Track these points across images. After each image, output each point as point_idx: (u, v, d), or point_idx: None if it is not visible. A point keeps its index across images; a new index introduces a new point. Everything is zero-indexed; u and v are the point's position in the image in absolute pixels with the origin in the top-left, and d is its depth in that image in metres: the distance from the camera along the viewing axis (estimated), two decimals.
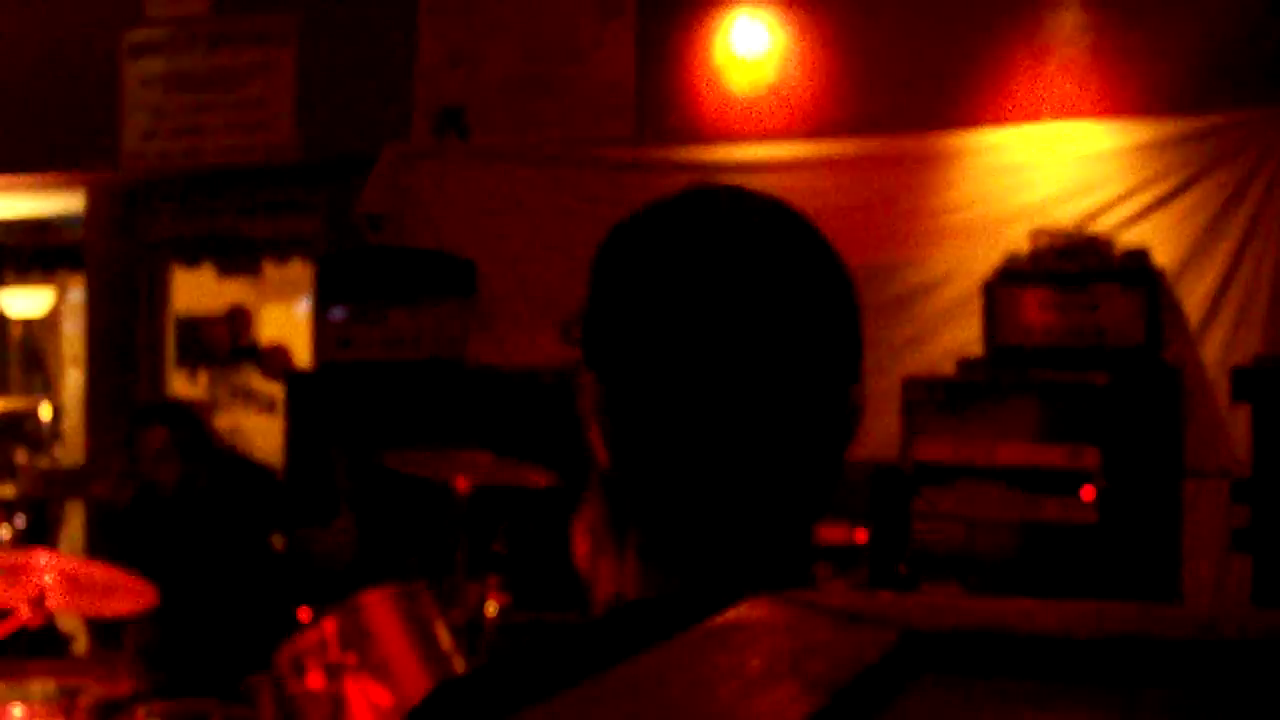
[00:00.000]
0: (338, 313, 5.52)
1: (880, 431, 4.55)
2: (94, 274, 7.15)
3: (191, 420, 4.60)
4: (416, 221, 5.96)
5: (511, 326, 5.71)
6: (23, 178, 7.14)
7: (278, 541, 4.59)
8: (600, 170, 5.61)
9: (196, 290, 7.53)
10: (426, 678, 3.12)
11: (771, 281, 0.99)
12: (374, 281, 5.54)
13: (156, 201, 6.90)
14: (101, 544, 5.75)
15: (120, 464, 4.63)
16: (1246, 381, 4.14)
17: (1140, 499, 4.29)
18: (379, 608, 3.26)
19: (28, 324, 10.04)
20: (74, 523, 7.32)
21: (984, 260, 4.80)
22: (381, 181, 5.99)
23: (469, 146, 6.00)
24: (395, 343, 5.43)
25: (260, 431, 7.00)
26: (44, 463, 8.32)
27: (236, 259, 7.00)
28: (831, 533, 4.45)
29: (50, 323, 9.95)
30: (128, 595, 3.58)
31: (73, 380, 8.98)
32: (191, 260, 7.05)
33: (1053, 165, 5.01)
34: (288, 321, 7.78)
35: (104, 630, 4.55)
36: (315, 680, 3.16)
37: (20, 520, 6.03)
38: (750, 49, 5.54)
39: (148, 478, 4.45)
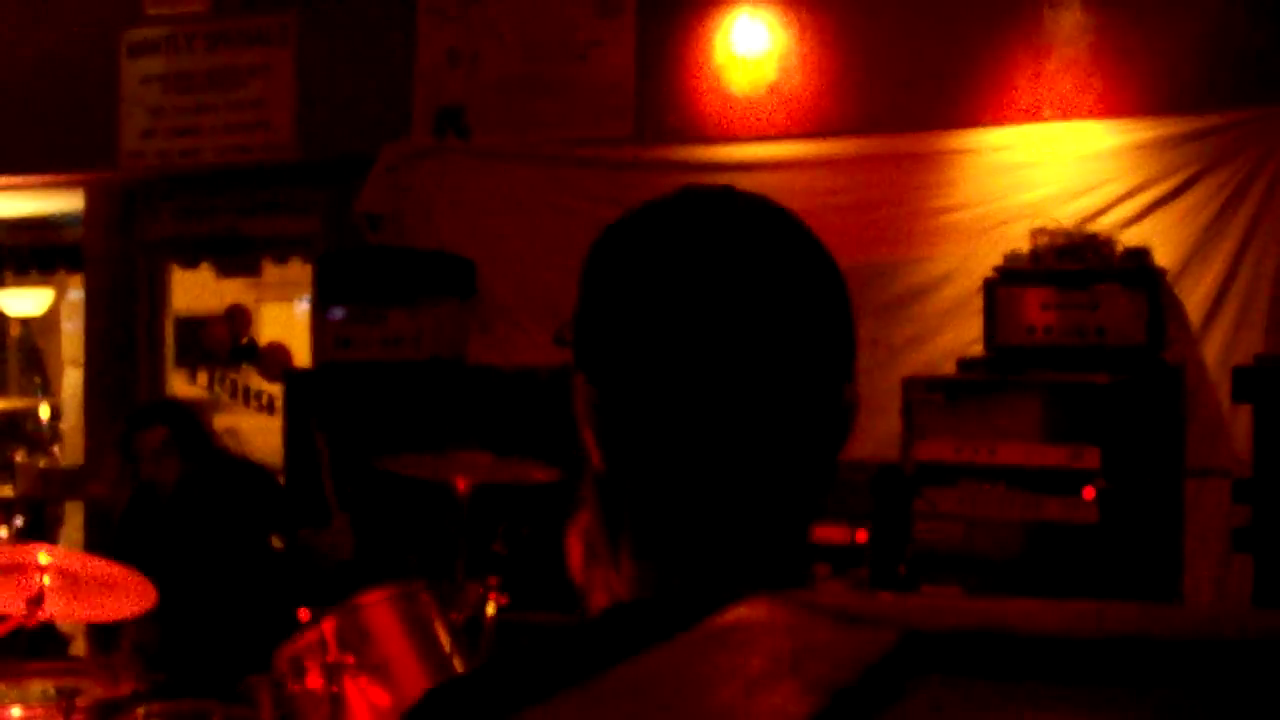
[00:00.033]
0: (337, 312, 5.52)
1: (881, 431, 4.55)
2: (93, 274, 7.15)
3: (190, 419, 4.60)
4: (416, 221, 5.96)
5: (511, 326, 5.71)
6: (21, 177, 7.14)
7: (276, 542, 4.58)
8: (600, 170, 5.60)
9: (195, 290, 7.53)
10: (425, 678, 3.11)
11: (762, 280, 0.98)
12: (373, 281, 5.54)
13: (155, 201, 6.90)
14: (100, 544, 5.74)
15: (117, 464, 4.62)
16: (1247, 381, 4.13)
17: (1141, 499, 4.28)
18: (378, 608, 3.25)
19: (26, 324, 10.04)
20: (73, 522, 7.32)
21: (985, 260, 4.80)
22: (381, 181, 5.99)
23: (468, 146, 5.99)
24: (395, 342, 5.42)
25: (259, 431, 7.00)
26: (43, 462, 8.33)
27: (236, 259, 7.00)
28: (832, 533, 4.44)
29: (49, 322, 9.95)
30: (127, 597, 3.57)
31: (72, 380, 8.97)
32: (190, 260, 7.05)
33: (1054, 165, 5.01)
34: (287, 321, 7.78)
35: (102, 631, 4.55)
36: (314, 680, 3.16)
37: (19, 520, 6.02)
38: (750, 48, 5.53)
39: (147, 477, 4.45)
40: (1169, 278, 4.69)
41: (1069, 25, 5.07)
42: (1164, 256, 4.68)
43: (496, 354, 5.62)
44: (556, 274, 5.13)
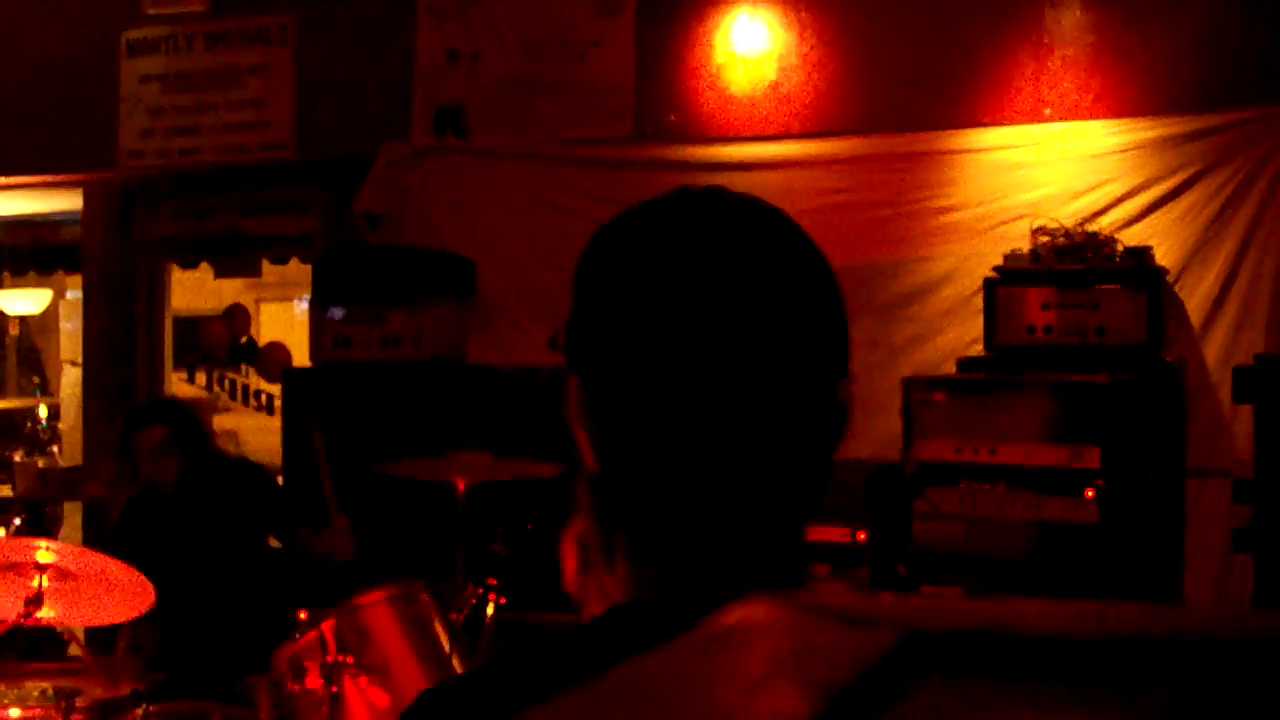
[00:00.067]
0: (336, 312, 5.51)
1: (881, 432, 4.55)
2: (91, 273, 7.14)
3: (189, 419, 4.59)
4: (415, 221, 5.95)
5: (511, 326, 5.70)
6: (20, 177, 7.13)
7: (275, 542, 4.58)
8: (600, 170, 5.60)
9: (194, 290, 7.53)
10: (424, 679, 3.11)
11: (755, 280, 0.98)
12: (373, 281, 5.53)
13: (154, 201, 6.89)
14: (98, 544, 5.73)
15: (116, 464, 4.61)
16: (1248, 381, 4.13)
17: (1142, 499, 4.28)
18: (377, 609, 3.25)
19: (25, 323, 10.04)
20: (71, 522, 7.31)
21: (985, 259, 4.80)
22: (380, 181, 5.98)
23: (468, 146, 5.99)
24: (394, 342, 5.42)
25: (258, 431, 7.00)
26: (41, 462, 8.32)
27: (235, 258, 6.99)
28: (832, 533, 4.44)
29: (48, 322, 9.95)
30: (126, 598, 3.56)
31: (70, 380, 8.97)
32: (190, 260, 7.04)
33: (1054, 164, 5.00)
34: (286, 321, 7.78)
35: (100, 631, 4.53)
36: (313, 681, 3.16)
37: (17, 520, 6.01)
38: (751, 47, 5.53)
39: (145, 476, 4.44)
40: (1169, 277, 4.68)
41: (1070, 25, 5.07)
42: (1165, 256, 4.68)
43: (496, 354, 5.62)
44: (556, 274, 5.11)
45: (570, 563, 1.09)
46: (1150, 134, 4.89)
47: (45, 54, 6.83)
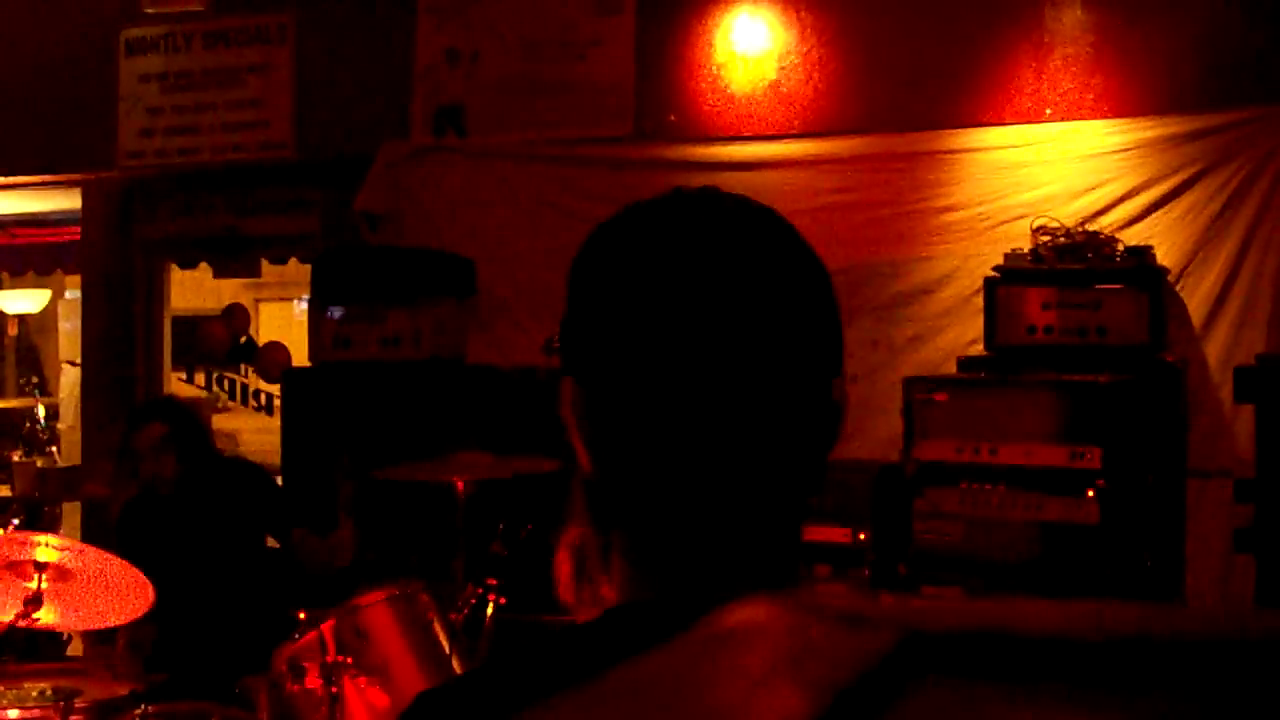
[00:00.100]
0: (336, 312, 5.51)
1: (882, 432, 4.55)
2: (90, 273, 7.14)
3: (189, 417, 4.59)
4: (415, 220, 5.95)
5: (511, 326, 5.70)
6: (19, 176, 7.13)
7: (273, 543, 4.57)
8: (600, 169, 5.59)
9: (193, 289, 7.53)
10: (424, 679, 3.10)
11: (747, 280, 0.98)
12: (372, 281, 5.52)
13: (153, 200, 6.89)
14: (97, 544, 5.72)
15: (114, 464, 4.61)
16: (1250, 381, 4.12)
17: (1143, 499, 4.27)
18: (377, 609, 3.25)
19: (24, 323, 10.04)
20: (70, 522, 7.31)
21: (986, 259, 4.80)
22: (379, 180, 5.98)
23: (468, 145, 5.98)
24: (394, 342, 5.41)
25: (257, 431, 7.00)
26: (40, 462, 8.32)
27: (234, 258, 6.99)
28: (833, 533, 4.43)
29: (46, 322, 9.96)
30: (125, 598, 3.55)
31: (69, 380, 8.97)
32: (188, 259, 7.04)
33: (1055, 164, 5.00)
34: (285, 321, 7.78)
35: (100, 631, 4.53)
36: (313, 681, 3.15)
37: (16, 520, 6.01)
38: (751, 47, 5.52)
39: (145, 474, 4.44)
40: (1170, 277, 4.68)
41: (1070, 24, 5.07)
42: (1165, 256, 4.67)
43: (496, 353, 5.61)
44: (556, 274, 5.06)
45: (564, 571, 1.09)
46: (1151, 133, 4.89)
47: (44, 53, 6.82)
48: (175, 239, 6.91)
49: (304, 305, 6.66)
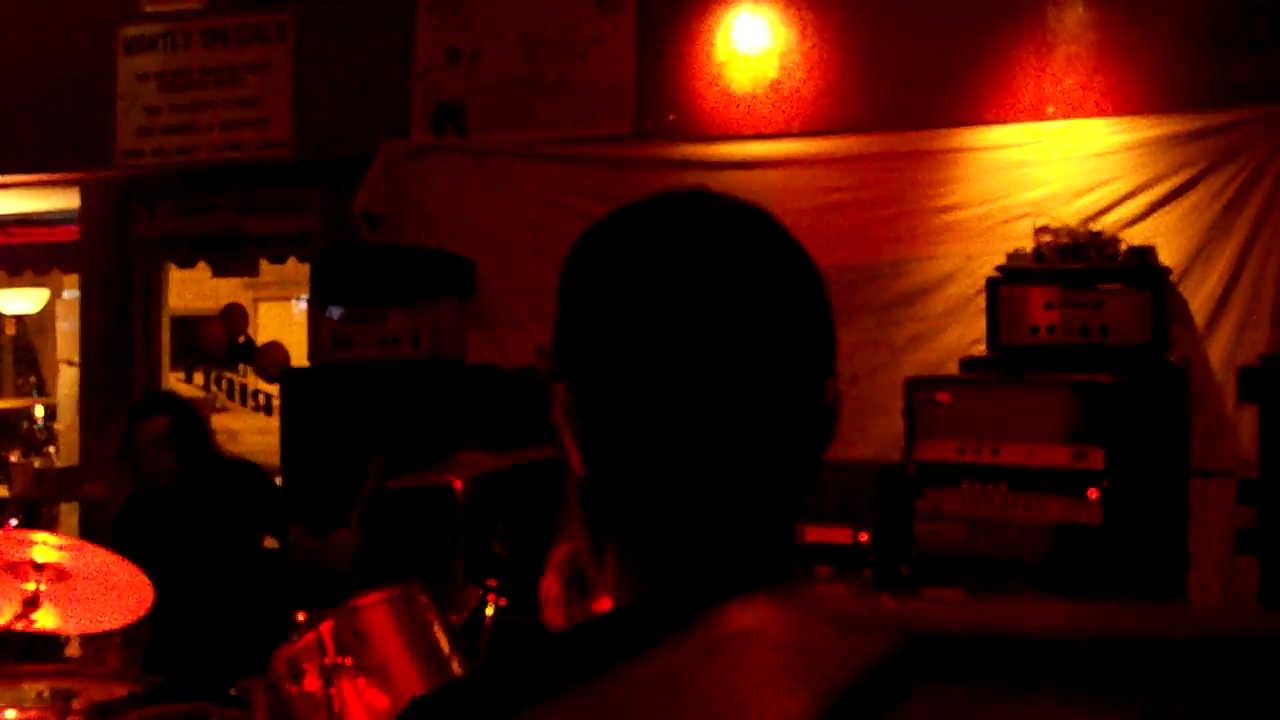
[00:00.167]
0: (335, 312, 5.50)
1: (883, 432, 4.54)
2: (88, 273, 7.13)
3: (190, 412, 4.59)
4: (414, 220, 5.94)
5: (511, 325, 5.69)
6: (17, 175, 7.12)
7: (272, 543, 4.56)
8: (600, 168, 5.59)
9: (192, 289, 7.52)
10: (423, 680, 3.09)
11: (739, 280, 0.98)
12: (371, 280, 5.52)
13: (152, 199, 6.88)
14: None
15: (113, 464, 4.60)
16: (1253, 381, 4.12)
17: (1146, 500, 4.26)
18: (376, 610, 3.23)
19: (22, 323, 10.04)
20: (68, 523, 7.30)
21: (988, 259, 4.79)
22: (379, 180, 5.97)
23: (467, 144, 5.98)
24: (393, 342, 5.41)
25: (256, 431, 6.99)
26: (38, 463, 8.32)
27: (232, 257, 6.98)
28: (834, 534, 4.42)
29: (44, 322, 9.95)
30: (124, 599, 3.54)
31: (67, 379, 8.96)
32: (187, 259, 7.03)
33: (1057, 163, 4.99)
34: (284, 320, 7.77)
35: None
36: (311, 682, 3.14)
37: (13, 521, 6.01)
38: (751, 45, 5.51)
39: (145, 468, 4.43)
40: (1173, 277, 4.67)
41: (1072, 23, 5.05)
42: (1168, 255, 4.66)
43: (496, 353, 5.61)
44: (556, 273, 5.10)
45: (553, 593, 1.09)
46: (1153, 132, 4.88)
47: (42, 51, 6.81)
48: (174, 238, 6.90)
49: (303, 305, 6.64)
